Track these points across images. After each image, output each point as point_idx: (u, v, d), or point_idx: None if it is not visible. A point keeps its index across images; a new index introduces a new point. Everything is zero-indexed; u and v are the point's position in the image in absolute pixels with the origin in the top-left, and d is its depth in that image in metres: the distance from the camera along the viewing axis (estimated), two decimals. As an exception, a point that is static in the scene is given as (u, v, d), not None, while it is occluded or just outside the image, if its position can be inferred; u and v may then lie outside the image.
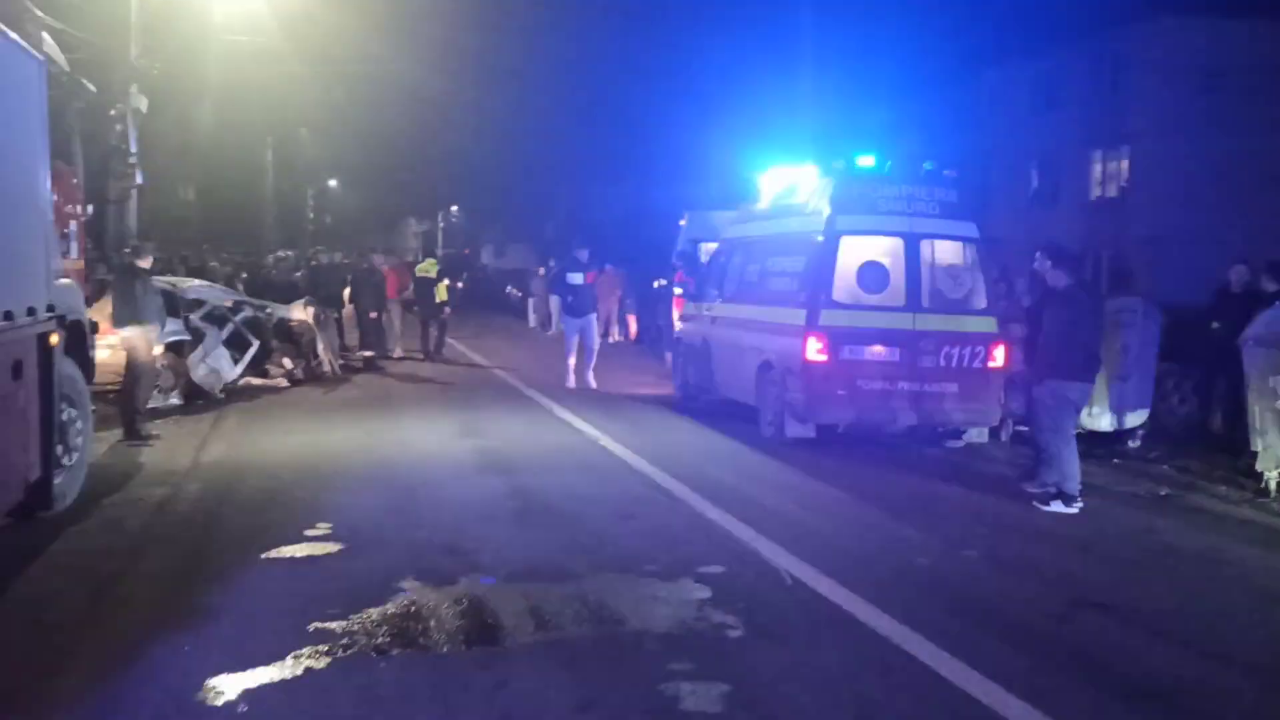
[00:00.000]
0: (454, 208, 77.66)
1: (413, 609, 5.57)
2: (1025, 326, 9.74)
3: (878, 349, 10.25)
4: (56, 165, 7.77)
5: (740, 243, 12.56)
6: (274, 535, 6.99)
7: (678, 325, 15.07)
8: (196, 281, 15.15)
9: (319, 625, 5.28)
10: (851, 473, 9.57)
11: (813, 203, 10.92)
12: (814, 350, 10.18)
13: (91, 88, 8.79)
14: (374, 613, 5.48)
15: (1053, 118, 31.95)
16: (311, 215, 65.20)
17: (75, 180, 8.75)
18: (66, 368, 7.74)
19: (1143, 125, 29.61)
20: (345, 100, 40.94)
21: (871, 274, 10.32)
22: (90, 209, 9.12)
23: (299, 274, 19.91)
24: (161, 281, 12.69)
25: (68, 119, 8.52)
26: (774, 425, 10.85)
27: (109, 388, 12.19)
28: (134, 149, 8.57)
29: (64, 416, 7.66)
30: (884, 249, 10.43)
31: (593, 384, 15.08)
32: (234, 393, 13.66)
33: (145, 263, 10.96)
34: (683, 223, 19.07)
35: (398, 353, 19.23)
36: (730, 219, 13.97)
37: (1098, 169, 31.94)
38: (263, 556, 6.54)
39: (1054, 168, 32.97)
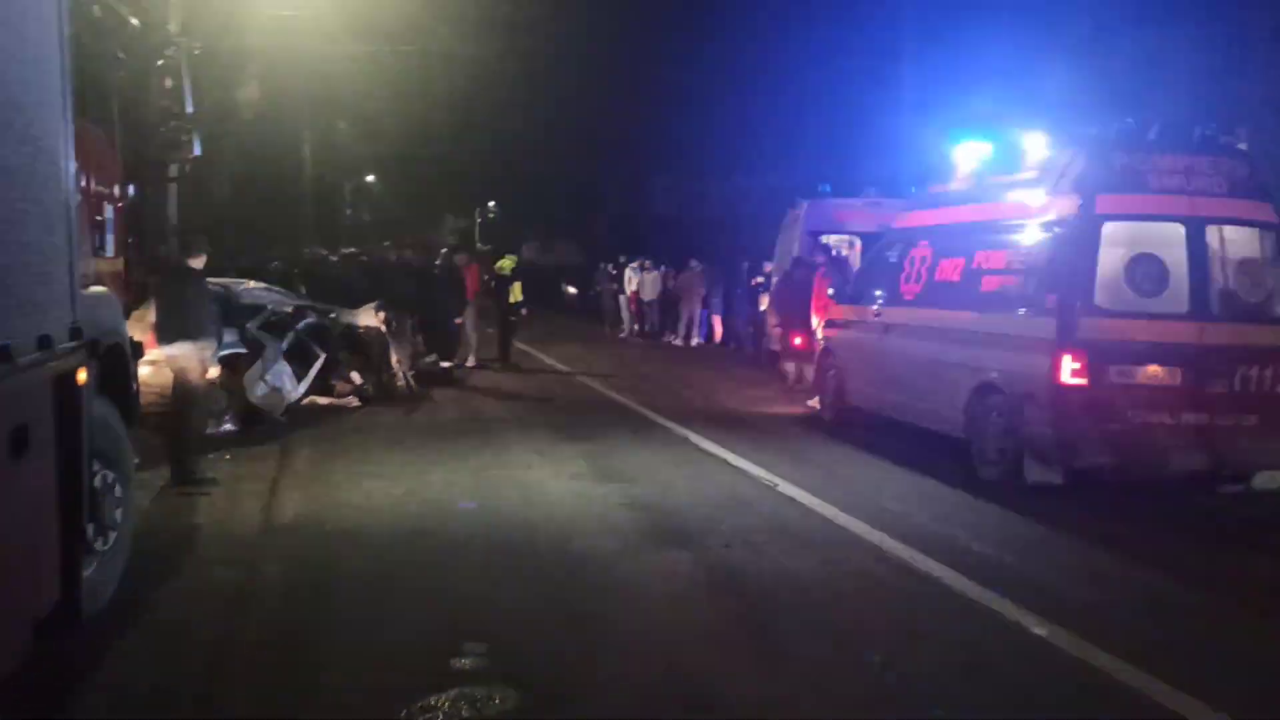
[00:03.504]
0: (491, 204, 75.75)
1: None
2: None
3: (1154, 370, 7.82)
4: (85, 127, 5.48)
5: (927, 231, 10.13)
6: (407, 669, 4.68)
7: (820, 333, 12.67)
8: (252, 283, 12.91)
9: None
10: (1148, 539, 7.15)
11: (1049, 179, 8.49)
12: (1070, 371, 7.76)
13: (134, 20, 6.45)
14: None
15: (1231, 84, 28.25)
16: (349, 212, 63.28)
17: (112, 150, 6.42)
18: (100, 411, 5.46)
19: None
20: (382, 92, 38.71)
21: (1145, 270, 7.89)
22: (132, 190, 6.77)
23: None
24: (213, 284, 10.45)
25: (102, 64, 6.20)
26: (1001, 467, 8.43)
27: (150, 411, 10.07)
28: (190, 109, 6.50)
29: (97, 482, 5.39)
30: (1159, 238, 8.00)
31: None
32: (298, 415, 11.40)
33: (198, 262, 8.70)
34: (798, 213, 16.53)
35: (472, 362, 16.92)
36: (892, 206, 11.57)
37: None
38: (403, 717, 4.21)
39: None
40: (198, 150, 7.16)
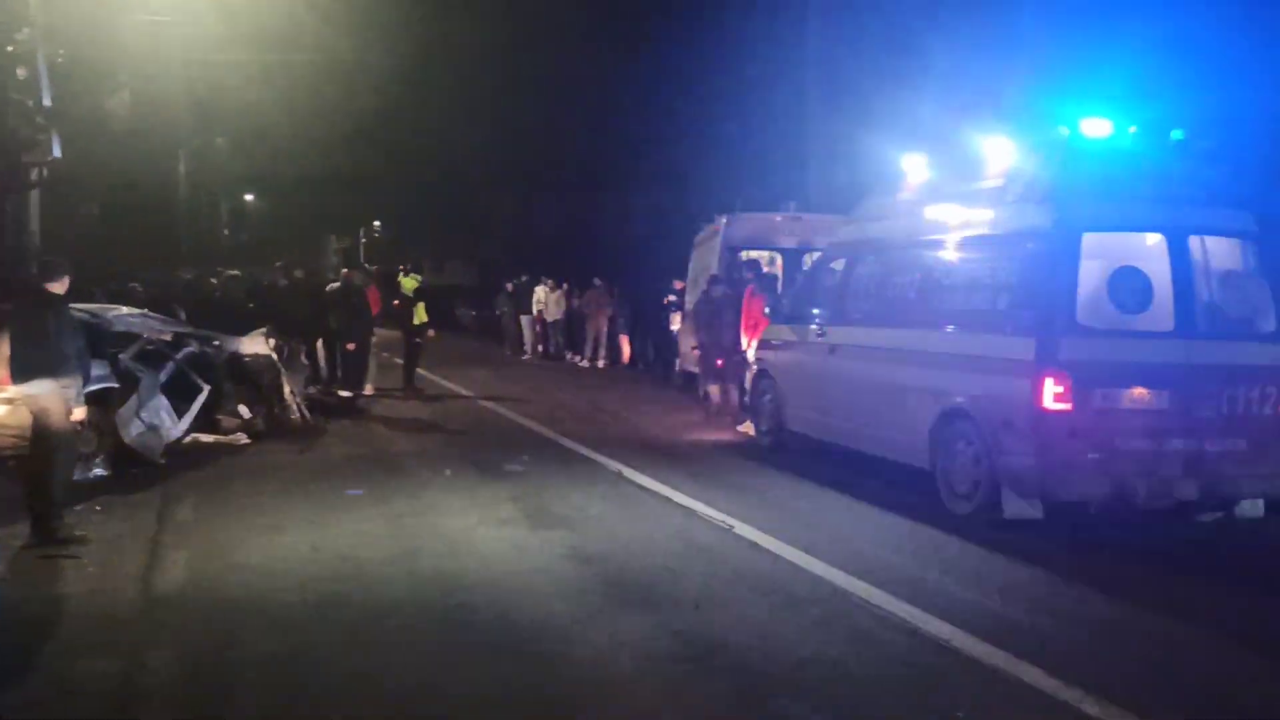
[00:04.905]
0: (376, 223, 73.80)
1: None
2: None
3: (1140, 393, 7.22)
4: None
5: (875, 245, 9.47)
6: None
7: (751, 353, 11.94)
8: (125, 309, 11.58)
9: None
10: (1154, 581, 6.53)
11: (1016, 186, 7.88)
12: (1053, 395, 7.11)
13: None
14: None
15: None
16: (227, 232, 60.73)
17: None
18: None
19: None
20: (261, 106, 36.94)
21: (1128, 285, 7.30)
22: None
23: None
24: (79, 310, 9.17)
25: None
26: (973, 500, 7.74)
27: (8, 455, 8.87)
28: (47, 103, 5.35)
29: (-73, 566, 4.25)
30: (1141, 250, 7.45)
31: None
32: (179, 455, 10.16)
33: (59, 286, 7.51)
34: (717, 228, 15.76)
35: (370, 390, 15.70)
36: (835, 221, 10.89)
37: None
38: None
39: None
40: (56, 152, 6.02)
